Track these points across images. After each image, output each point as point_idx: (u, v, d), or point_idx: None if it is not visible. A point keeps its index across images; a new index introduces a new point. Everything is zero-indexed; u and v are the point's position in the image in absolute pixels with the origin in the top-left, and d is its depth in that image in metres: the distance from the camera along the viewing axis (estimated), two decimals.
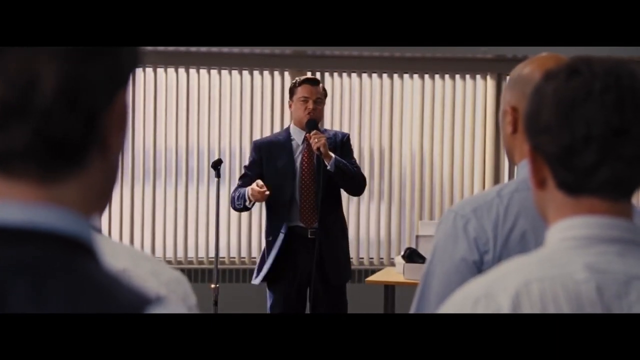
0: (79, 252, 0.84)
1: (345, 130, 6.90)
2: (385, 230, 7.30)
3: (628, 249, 1.22)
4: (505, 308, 1.18)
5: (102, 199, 0.90)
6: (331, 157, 4.80)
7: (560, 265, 1.21)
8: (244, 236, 7.25)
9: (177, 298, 1.37)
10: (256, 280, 5.06)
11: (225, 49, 6.96)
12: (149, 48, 6.32)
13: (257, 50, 6.99)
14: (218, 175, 5.15)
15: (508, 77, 1.99)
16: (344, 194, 5.17)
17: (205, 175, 7.17)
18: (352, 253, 6.44)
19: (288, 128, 5.10)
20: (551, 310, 1.17)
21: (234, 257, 7.25)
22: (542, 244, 1.30)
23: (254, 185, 4.83)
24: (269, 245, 4.99)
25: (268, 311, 5.03)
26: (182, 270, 6.68)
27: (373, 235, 7.29)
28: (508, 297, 1.19)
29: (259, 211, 7.21)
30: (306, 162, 4.95)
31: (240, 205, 4.98)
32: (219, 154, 7.08)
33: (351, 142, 5.17)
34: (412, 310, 1.87)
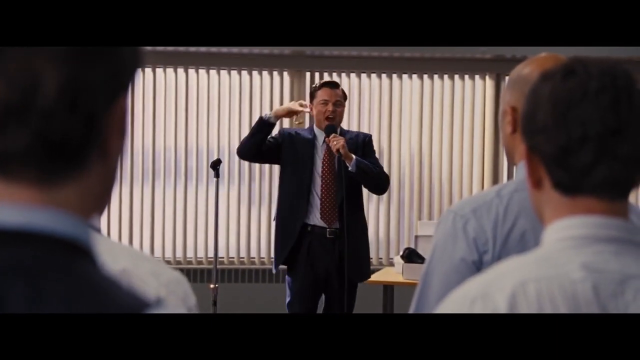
0: (77, 254, 0.84)
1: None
2: (384, 230, 7.31)
3: (624, 249, 1.23)
4: (502, 308, 1.18)
5: (100, 201, 0.90)
6: (352, 157, 4.89)
7: (556, 265, 1.21)
8: (243, 236, 7.25)
9: (176, 298, 1.37)
10: (275, 269, 5.20)
11: (224, 49, 6.97)
12: (149, 48, 6.32)
13: (256, 50, 6.99)
14: (217, 175, 5.16)
15: (508, 77, 1.99)
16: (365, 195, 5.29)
17: (205, 175, 7.17)
18: None
19: (312, 127, 5.20)
20: (548, 309, 1.17)
21: (233, 257, 7.25)
22: None
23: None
24: (283, 237, 5.06)
25: (287, 293, 5.11)
26: (181, 270, 6.68)
27: (372, 235, 7.28)
28: (505, 297, 1.19)
29: (257, 211, 7.22)
30: (327, 162, 5.04)
31: (252, 132, 5.03)
32: (218, 154, 7.08)
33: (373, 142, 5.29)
34: (411, 310, 1.87)
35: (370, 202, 7.25)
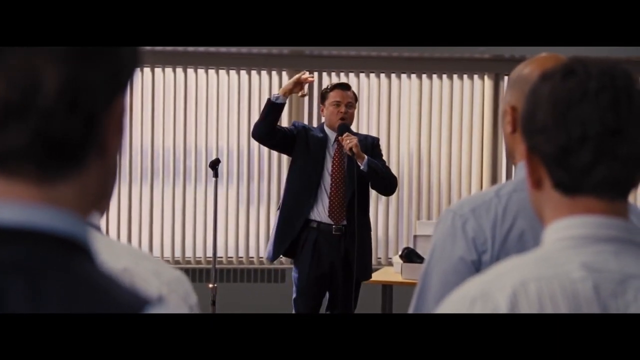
0: (75, 252, 0.84)
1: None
2: (383, 230, 7.31)
3: (624, 248, 1.23)
4: (502, 307, 1.18)
5: (100, 200, 0.90)
6: (364, 157, 4.95)
7: (557, 264, 1.21)
8: (242, 236, 7.25)
9: (178, 297, 1.37)
10: (270, 257, 5.20)
11: (223, 49, 6.97)
12: (147, 48, 6.32)
13: (255, 50, 6.99)
14: (216, 175, 5.16)
15: (508, 77, 1.99)
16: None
17: (203, 174, 7.17)
18: None
19: (322, 126, 5.25)
20: (549, 309, 1.18)
21: (232, 257, 7.25)
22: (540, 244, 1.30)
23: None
24: (283, 229, 5.08)
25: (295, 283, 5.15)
26: (180, 269, 6.66)
27: (372, 235, 7.29)
28: (505, 297, 1.19)
29: (256, 211, 7.22)
30: (337, 161, 5.09)
31: (263, 115, 5.00)
32: (217, 154, 7.08)
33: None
34: (410, 310, 1.87)
35: (370, 201, 7.24)
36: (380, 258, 7.28)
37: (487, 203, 1.84)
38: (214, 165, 5.15)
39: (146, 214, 7.16)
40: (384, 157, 7.01)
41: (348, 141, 4.91)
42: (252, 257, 7.27)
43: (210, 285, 5.08)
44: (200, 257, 7.22)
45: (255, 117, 7.20)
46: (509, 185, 1.87)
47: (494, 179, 7.37)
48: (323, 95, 5.24)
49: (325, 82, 7.21)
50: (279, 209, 5.23)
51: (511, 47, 6.84)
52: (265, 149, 6.82)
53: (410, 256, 5.13)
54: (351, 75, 7.28)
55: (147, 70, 7.13)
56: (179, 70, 7.17)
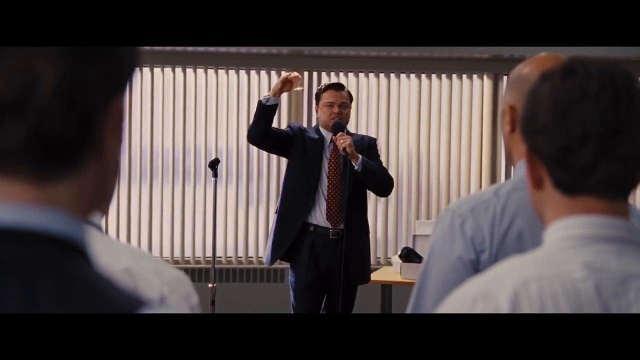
0: (71, 253, 0.84)
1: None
2: (383, 230, 7.31)
3: (625, 248, 1.23)
4: (504, 307, 1.18)
5: (98, 200, 0.90)
6: (358, 157, 4.88)
7: (558, 264, 1.21)
8: (241, 236, 7.24)
9: (179, 297, 1.37)
10: (268, 262, 5.13)
11: (222, 49, 6.96)
12: (146, 48, 6.31)
13: (254, 50, 6.99)
14: (215, 175, 5.15)
15: (508, 77, 1.99)
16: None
17: (203, 174, 7.16)
18: None
19: (318, 127, 5.16)
20: (550, 309, 1.18)
21: (231, 257, 7.25)
22: (539, 244, 1.30)
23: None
24: (282, 233, 5.02)
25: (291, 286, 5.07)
26: (179, 269, 6.65)
27: (371, 235, 7.28)
28: (507, 297, 1.19)
29: (256, 210, 7.22)
30: (333, 163, 5.02)
31: (256, 118, 4.93)
32: (216, 154, 7.08)
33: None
34: (409, 310, 1.87)
35: (369, 201, 7.24)
36: (379, 258, 7.28)
37: (486, 202, 1.84)
38: (214, 165, 5.14)
39: (145, 214, 7.16)
40: (384, 157, 7.04)
41: (342, 141, 4.84)
42: (252, 257, 7.27)
43: (210, 285, 5.08)
44: (199, 257, 7.22)
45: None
46: (507, 184, 1.88)
47: (493, 178, 7.37)
48: (317, 96, 5.17)
49: (325, 82, 7.20)
50: (276, 212, 5.16)
51: (510, 47, 6.84)
52: None
53: (409, 256, 5.13)
54: (350, 75, 7.28)
55: (146, 70, 7.13)
56: (178, 70, 7.16)
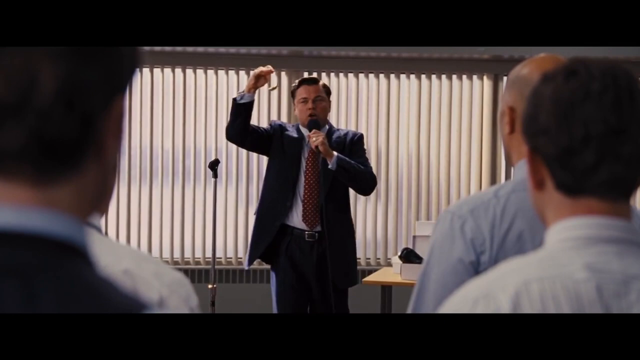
0: (72, 256, 0.83)
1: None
2: (382, 231, 7.31)
3: (627, 249, 1.23)
4: (505, 308, 1.18)
5: (98, 202, 0.90)
6: (333, 155, 4.70)
7: (559, 265, 1.21)
8: (241, 236, 7.24)
9: (179, 299, 1.37)
10: (247, 263, 5.03)
11: (222, 49, 6.96)
12: (146, 48, 6.31)
13: (254, 50, 6.99)
14: (215, 176, 5.15)
15: (506, 78, 1.99)
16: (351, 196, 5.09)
17: (202, 175, 7.16)
18: None
19: (297, 125, 5.02)
20: (551, 310, 1.17)
21: (231, 258, 7.25)
22: (539, 245, 1.30)
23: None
24: (259, 234, 4.89)
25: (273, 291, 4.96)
26: (179, 270, 6.65)
27: (370, 236, 7.30)
28: (508, 297, 1.19)
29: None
30: (310, 163, 4.85)
31: (232, 117, 4.80)
32: (216, 154, 7.08)
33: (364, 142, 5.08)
34: (409, 311, 1.87)
35: (368, 202, 7.25)
36: (379, 258, 7.29)
37: (486, 204, 1.84)
38: (213, 165, 5.14)
39: (145, 215, 7.16)
40: (384, 158, 7.03)
41: (314, 138, 4.69)
42: None
43: (210, 286, 5.07)
44: (199, 258, 7.22)
45: (253, 118, 7.20)
46: (507, 185, 1.87)
47: (493, 179, 7.37)
48: (292, 94, 4.99)
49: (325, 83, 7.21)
50: (255, 213, 5.03)
51: (510, 47, 6.84)
52: None
53: (409, 257, 5.13)
54: (350, 75, 7.28)
55: (146, 70, 7.13)
56: (178, 70, 7.16)
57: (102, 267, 0.94)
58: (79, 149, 0.84)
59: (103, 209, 0.92)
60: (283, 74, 7.21)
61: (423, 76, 7.34)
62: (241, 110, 4.77)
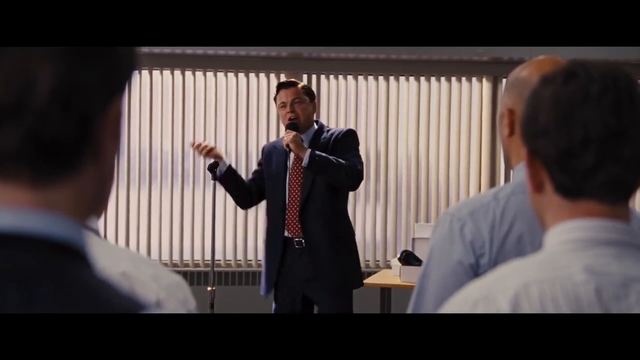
0: (70, 258, 0.83)
1: None
2: (381, 233, 7.30)
3: (626, 252, 1.23)
4: (504, 310, 1.18)
5: (96, 203, 0.89)
6: (305, 151, 4.57)
7: (559, 267, 1.21)
8: (240, 239, 7.24)
9: (177, 302, 1.37)
10: (264, 292, 4.93)
11: (221, 51, 6.96)
12: (145, 50, 6.31)
13: (253, 52, 6.99)
14: (214, 178, 5.14)
15: (506, 80, 1.99)
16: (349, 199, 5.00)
17: (202, 177, 7.16)
18: None
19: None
20: (550, 311, 1.17)
21: (230, 260, 7.25)
22: (539, 247, 1.30)
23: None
24: (268, 255, 4.86)
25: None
26: (178, 273, 6.66)
27: (369, 238, 7.30)
28: (507, 299, 1.19)
29: (255, 214, 7.21)
30: (294, 170, 4.75)
31: (228, 192, 4.91)
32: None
33: (350, 137, 4.82)
34: (408, 313, 1.87)
35: (368, 204, 7.26)
36: (378, 261, 7.29)
37: (485, 206, 1.83)
38: (213, 168, 5.13)
39: (144, 217, 7.15)
40: (383, 159, 7.01)
41: (285, 138, 4.60)
42: (251, 260, 7.26)
43: (209, 288, 5.07)
44: (198, 260, 7.22)
45: (253, 120, 7.25)
46: (507, 188, 1.87)
47: (493, 181, 7.37)
48: (274, 100, 4.87)
49: (324, 85, 7.22)
50: (265, 240, 4.94)
51: (509, 49, 6.84)
52: None
53: (408, 259, 5.13)
54: (349, 77, 7.28)
55: (145, 72, 7.13)
56: (177, 72, 7.16)
57: (100, 270, 0.93)
58: (77, 150, 0.84)
59: (101, 211, 0.91)
60: (282, 76, 7.20)
61: (422, 78, 7.34)
62: (225, 182, 4.85)
